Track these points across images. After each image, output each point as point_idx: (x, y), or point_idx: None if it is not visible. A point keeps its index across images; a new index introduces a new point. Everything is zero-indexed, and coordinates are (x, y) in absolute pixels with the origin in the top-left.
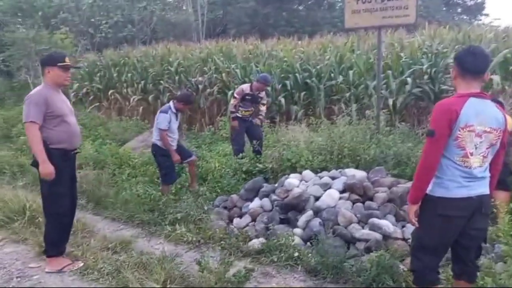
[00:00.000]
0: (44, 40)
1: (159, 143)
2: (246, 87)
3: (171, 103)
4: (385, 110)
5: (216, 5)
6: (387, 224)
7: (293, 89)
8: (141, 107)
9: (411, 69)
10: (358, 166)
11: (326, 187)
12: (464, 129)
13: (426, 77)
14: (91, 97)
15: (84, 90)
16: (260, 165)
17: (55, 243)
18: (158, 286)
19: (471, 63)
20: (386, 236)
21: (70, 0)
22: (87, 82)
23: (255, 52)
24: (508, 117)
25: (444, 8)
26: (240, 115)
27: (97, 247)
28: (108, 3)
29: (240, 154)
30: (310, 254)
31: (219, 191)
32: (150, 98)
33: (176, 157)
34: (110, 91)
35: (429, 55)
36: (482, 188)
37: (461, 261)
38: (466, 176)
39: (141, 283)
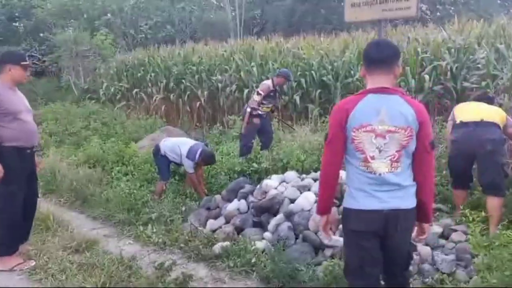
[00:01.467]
0: (84, 41)
1: (163, 151)
2: (270, 83)
3: (198, 153)
4: None
5: (254, 4)
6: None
7: (309, 87)
8: (163, 106)
9: (431, 65)
10: None
11: (305, 189)
12: (359, 130)
13: (449, 73)
14: (118, 96)
15: (112, 89)
16: (255, 165)
17: (7, 243)
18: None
19: (373, 52)
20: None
21: (113, 2)
22: (116, 81)
23: (275, 50)
24: (500, 110)
25: (498, 1)
26: (260, 112)
27: (57, 246)
28: (149, 5)
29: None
30: (268, 261)
31: (207, 191)
32: (171, 96)
33: (203, 194)
34: (135, 90)
35: (452, 50)
36: (397, 201)
37: (389, 273)
38: (373, 183)
39: (78, 284)
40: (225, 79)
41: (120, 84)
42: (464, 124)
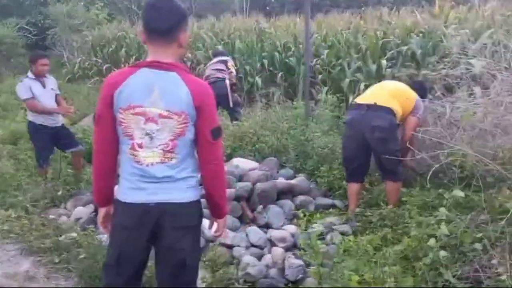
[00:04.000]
0: (78, 15)
1: (30, 117)
2: None
3: (29, 72)
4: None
5: None
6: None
7: (274, 70)
8: None
9: (394, 50)
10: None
11: None
12: (127, 111)
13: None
14: (92, 71)
15: (87, 64)
16: None
17: None
18: None
19: (154, 19)
20: (208, 240)
21: None
22: (93, 56)
23: (249, 29)
24: (412, 96)
25: None
26: None
27: None
28: None
29: None
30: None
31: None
32: None
33: (63, 109)
34: (106, 65)
35: (420, 35)
36: (168, 194)
37: None
38: (141, 174)
39: None
40: (194, 57)
41: (95, 59)
42: (357, 106)
